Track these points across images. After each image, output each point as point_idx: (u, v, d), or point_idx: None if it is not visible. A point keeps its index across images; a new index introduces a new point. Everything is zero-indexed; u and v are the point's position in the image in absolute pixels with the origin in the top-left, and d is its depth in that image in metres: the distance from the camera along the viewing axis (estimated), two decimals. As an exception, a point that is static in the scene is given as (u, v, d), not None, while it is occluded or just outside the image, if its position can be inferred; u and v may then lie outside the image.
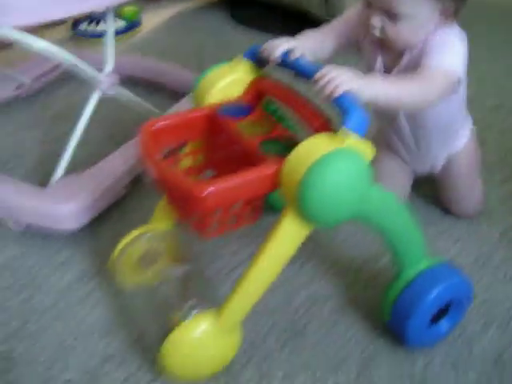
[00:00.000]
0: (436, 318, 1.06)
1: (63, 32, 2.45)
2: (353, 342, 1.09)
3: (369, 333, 1.11)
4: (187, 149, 1.08)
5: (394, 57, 1.14)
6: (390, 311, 1.06)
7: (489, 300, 1.18)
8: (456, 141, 1.30)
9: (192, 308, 0.97)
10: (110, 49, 1.52)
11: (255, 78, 1.08)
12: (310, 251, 1.26)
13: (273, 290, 1.15)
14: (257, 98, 1.08)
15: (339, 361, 1.06)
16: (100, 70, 1.48)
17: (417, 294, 1.02)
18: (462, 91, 1.18)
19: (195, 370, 1.00)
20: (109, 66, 1.50)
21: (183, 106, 1.47)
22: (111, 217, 1.37)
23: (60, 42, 1.37)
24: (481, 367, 1.05)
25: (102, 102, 1.48)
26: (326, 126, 0.92)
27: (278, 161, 0.88)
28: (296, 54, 1.00)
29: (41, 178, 1.49)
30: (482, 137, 1.41)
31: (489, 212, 1.40)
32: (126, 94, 1.58)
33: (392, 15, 1.05)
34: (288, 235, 0.92)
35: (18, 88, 1.88)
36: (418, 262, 1.05)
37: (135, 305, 1.13)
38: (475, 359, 1.07)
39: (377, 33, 1.09)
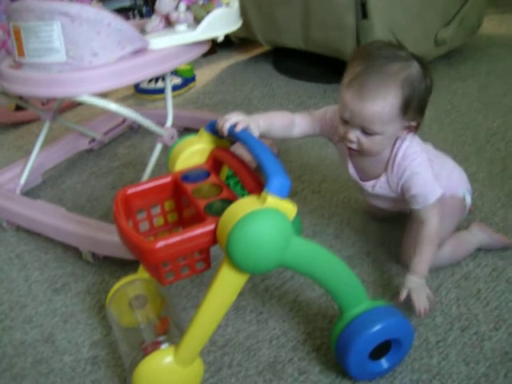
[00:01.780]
0: (378, 356, 1.15)
1: (126, 89, 2.69)
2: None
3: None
4: (159, 210, 1.22)
5: (363, 161, 1.34)
6: (334, 348, 1.16)
7: (500, 306, 1.32)
8: None
9: (162, 343, 1.12)
10: (169, 106, 1.71)
11: (214, 147, 1.23)
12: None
13: (309, 302, 1.34)
14: (215, 165, 1.22)
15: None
16: (160, 123, 1.68)
17: (352, 334, 1.10)
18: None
19: None
20: (169, 121, 1.70)
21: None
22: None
23: (124, 99, 1.54)
24: (490, 363, 1.19)
25: (163, 151, 1.67)
26: (258, 188, 1.02)
27: (215, 220, 1.00)
28: (238, 128, 1.14)
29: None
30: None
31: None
32: None
33: (367, 132, 1.22)
34: (226, 282, 1.03)
35: (90, 142, 2.13)
36: (356, 305, 1.13)
37: (123, 339, 1.23)
38: (485, 356, 1.20)
39: (354, 146, 1.25)
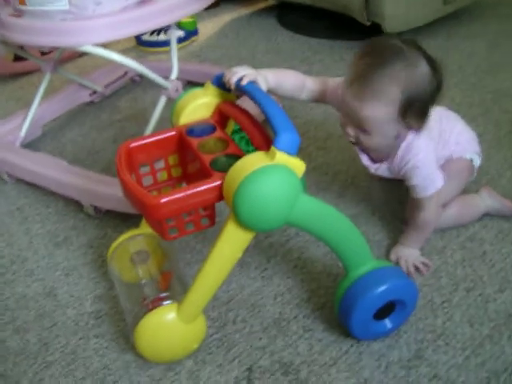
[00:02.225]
0: (384, 315, 1.15)
1: (127, 42, 2.65)
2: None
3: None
4: (163, 164, 1.20)
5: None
6: (338, 308, 1.14)
7: (505, 268, 1.32)
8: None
9: (164, 299, 1.10)
10: (174, 58, 1.67)
11: (221, 101, 1.19)
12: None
13: (313, 260, 1.34)
14: (221, 119, 1.19)
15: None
16: (164, 76, 1.65)
17: (357, 293, 1.09)
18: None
19: (163, 353, 1.12)
20: (174, 73, 1.65)
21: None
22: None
23: (125, 51, 1.51)
24: (494, 324, 1.19)
25: (166, 104, 1.65)
26: (266, 144, 0.99)
27: (221, 176, 0.98)
28: (245, 81, 1.11)
29: (115, 172, 1.68)
30: None
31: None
32: None
33: (363, 130, 1.21)
34: (231, 239, 1.01)
35: (91, 95, 2.10)
36: (361, 265, 1.12)
37: (125, 295, 1.22)
38: (489, 317, 1.21)
39: (352, 140, 1.26)
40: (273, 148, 0.95)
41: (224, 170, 0.99)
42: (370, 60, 1.16)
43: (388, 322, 1.16)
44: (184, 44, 2.62)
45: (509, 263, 1.34)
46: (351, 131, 1.24)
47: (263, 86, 1.14)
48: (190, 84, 2.10)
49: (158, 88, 1.66)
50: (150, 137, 1.18)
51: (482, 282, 1.29)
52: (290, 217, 1.00)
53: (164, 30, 2.54)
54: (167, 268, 1.23)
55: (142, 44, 2.61)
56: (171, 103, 1.64)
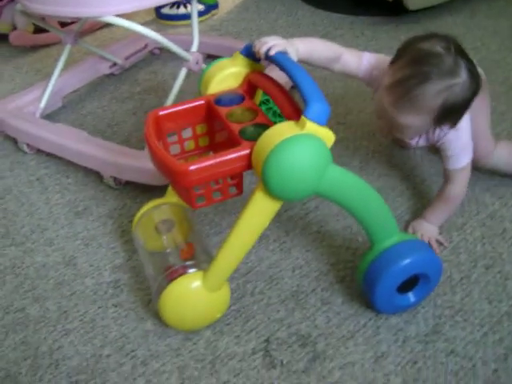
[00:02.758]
0: (405, 290, 1.15)
1: (147, 15, 2.64)
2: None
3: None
4: (190, 133, 1.19)
5: None
6: (361, 280, 1.15)
7: (525, 246, 1.32)
8: None
9: (189, 267, 1.11)
10: (195, 30, 1.66)
11: (250, 71, 1.19)
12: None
13: (332, 234, 1.34)
14: (250, 89, 1.18)
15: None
16: (184, 49, 1.62)
17: (383, 265, 1.10)
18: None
19: (186, 321, 1.14)
20: (194, 46, 1.64)
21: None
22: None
23: (144, 24, 1.50)
24: (512, 301, 1.20)
25: (186, 77, 1.64)
26: (296, 114, 0.99)
27: (250, 144, 0.98)
28: (272, 52, 1.09)
29: (135, 144, 1.71)
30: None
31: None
32: None
33: (397, 128, 1.20)
34: (259, 208, 1.02)
35: (111, 67, 2.08)
36: (387, 237, 1.12)
37: (149, 263, 1.23)
38: (508, 294, 1.21)
39: (385, 132, 1.28)
40: (303, 117, 0.95)
41: (253, 138, 0.99)
42: (409, 71, 1.12)
43: (411, 296, 1.17)
44: (204, 18, 2.59)
45: (529, 241, 1.33)
46: (385, 126, 1.25)
47: (293, 56, 1.13)
48: (210, 58, 2.08)
49: (177, 61, 1.66)
50: (178, 105, 1.17)
51: (502, 259, 1.29)
52: (318, 187, 1.00)
53: (184, 3, 2.52)
54: (192, 238, 1.24)
55: (161, 17, 2.60)
56: (191, 76, 1.66)
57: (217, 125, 1.17)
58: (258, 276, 1.27)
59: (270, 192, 0.98)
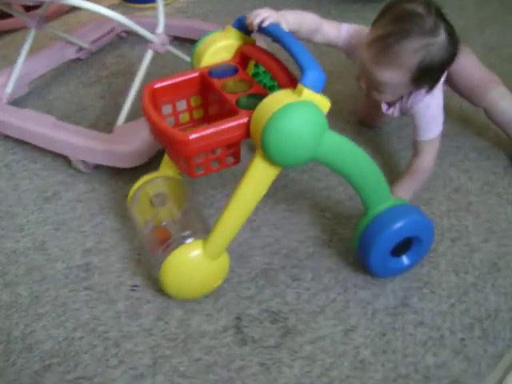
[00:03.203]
0: (399, 253, 1.19)
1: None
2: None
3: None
4: (185, 105, 1.20)
5: None
6: (357, 243, 1.18)
7: (490, 219, 1.34)
8: None
9: (187, 237, 1.13)
10: (160, 11, 1.65)
11: (242, 43, 1.20)
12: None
13: (301, 211, 1.35)
14: (242, 61, 1.20)
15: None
16: (150, 32, 1.63)
17: (376, 229, 1.13)
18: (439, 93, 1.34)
19: (188, 290, 1.17)
20: (160, 27, 1.64)
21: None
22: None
23: (111, 8, 1.49)
24: (478, 273, 1.22)
25: (152, 59, 1.64)
26: (291, 82, 1.01)
27: (248, 113, 1.00)
28: (265, 23, 1.11)
29: (103, 127, 1.70)
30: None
31: (497, 149, 1.56)
32: (175, 52, 1.75)
33: (376, 88, 1.25)
34: (258, 175, 1.04)
35: (78, 51, 2.07)
36: (380, 202, 1.16)
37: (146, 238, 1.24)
38: (474, 266, 1.23)
39: (364, 91, 1.30)
40: (300, 85, 0.97)
41: (250, 107, 1.01)
42: (391, 28, 1.17)
43: (405, 259, 1.20)
44: (171, 0, 2.59)
45: (493, 214, 1.36)
46: (364, 85, 1.28)
47: (285, 27, 1.14)
48: (177, 40, 2.09)
49: (144, 44, 1.65)
50: (173, 78, 1.18)
51: (468, 232, 1.32)
52: (316, 152, 1.02)
53: (150, -15, 2.50)
54: (187, 208, 1.25)
55: (128, 0, 2.59)
56: (158, 58, 1.66)
57: (211, 97, 1.18)
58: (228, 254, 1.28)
59: (270, 158, 1.00)
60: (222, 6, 2.52)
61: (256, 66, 1.29)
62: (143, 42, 1.65)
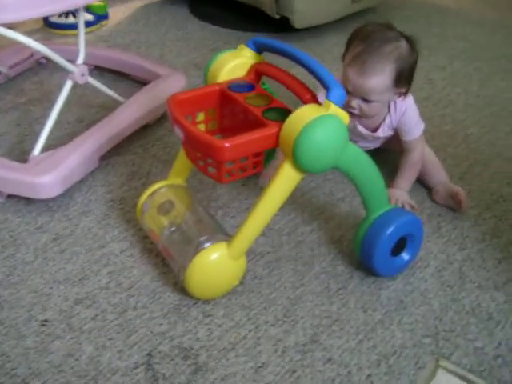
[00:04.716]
0: (398, 252, 1.31)
1: (34, 23, 2.56)
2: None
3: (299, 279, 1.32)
4: (201, 117, 1.29)
5: (366, 119, 1.53)
6: (359, 248, 1.30)
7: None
8: None
9: (205, 242, 1.20)
10: (81, 42, 1.65)
11: (255, 62, 1.30)
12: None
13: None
14: (256, 78, 1.30)
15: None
16: (71, 60, 1.62)
17: (377, 231, 1.26)
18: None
19: (212, 289, 1.24)
20: (80, 59, 1.64)
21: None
22: (81, 189, 1.56)
23: (32, 33, 1.47)
24: (386, 310, 1.26)
25: (72, 88, 1.63)
26: (313, 99, 1.14)
27: (278, 124, 1.12)
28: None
29: (18, 156, 1.66)
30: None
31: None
32: (94, 83, 1.74)
33: (366, 100, 1.43)
34: (286, 180, 1.15)
35: (-5, 76, 2.02)
36: (380, 207, 1.29)
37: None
38: (382, 303, 1.27)
39: (356, 112, 1.45)
40: (326, 100, 1.10)
41: (277, 119, 1.13)
42: (364, 45, 1.39)
43: (405, 255, 1.33)
44: (93, 28, 2.57)
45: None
46: (355, 103, 1.44)
47: None
48: (98, 69, 2.08)
49: (64, 71, 1.63)
50: (195, 90, 1.28)
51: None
52: (338, 161, 1.16)
53: (73, 12, 2.48)
54: (200, 212, 1.34)
55: (50, 26, 2.54)
56: (77, 87, 1.65)
57: (230, 109, 1.27)
58: (140, 290, 1.28)
59: (299, 165, 1.11)
60: (144, 36, 2.53)
61: (262, 83, 1.36)
62: (63, 69, 1.63)
